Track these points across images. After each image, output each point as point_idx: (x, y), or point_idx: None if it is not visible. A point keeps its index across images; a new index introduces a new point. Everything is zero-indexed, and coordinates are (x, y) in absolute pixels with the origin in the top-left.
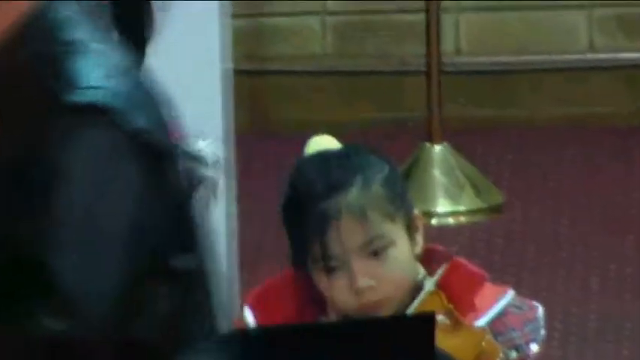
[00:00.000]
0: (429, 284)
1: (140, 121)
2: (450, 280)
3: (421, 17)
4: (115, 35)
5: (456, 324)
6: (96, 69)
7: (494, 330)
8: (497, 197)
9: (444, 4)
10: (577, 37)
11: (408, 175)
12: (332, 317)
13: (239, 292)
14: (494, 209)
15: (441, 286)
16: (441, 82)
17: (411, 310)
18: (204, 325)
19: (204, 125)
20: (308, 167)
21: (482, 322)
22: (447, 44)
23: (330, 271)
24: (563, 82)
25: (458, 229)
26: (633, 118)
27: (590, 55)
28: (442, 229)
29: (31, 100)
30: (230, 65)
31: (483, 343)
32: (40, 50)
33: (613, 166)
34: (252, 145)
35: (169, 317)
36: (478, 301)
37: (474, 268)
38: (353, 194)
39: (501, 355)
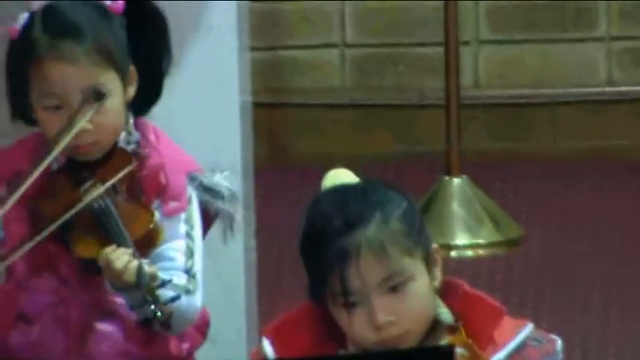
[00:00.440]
0: (449, 318)
1: None
2: (469, 313)
3: (440, 50)
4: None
5: (475, 358)
6: None
7: None
8: (516, 230)
9: (462, 37)
10: (595, 70)
11: (426, 208)
12: (351, 350)
13: (257, 325)
14: (513, 242)
15: (460, 319)
16: (460, 115)
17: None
18: None
19: (222, 158)
20: (325, 203)
21: (501, 355)
22: (466, 77)
23: (349, 306)
24: (581, 114)
25: (477, 262)
26: None
27: (608, 89)
28: (461, 262)
29: None
30: (249, 98)
31: None
32: None
33: (631, 198)
34: (270, 177)
35: None
36: (497, 334)
37: (492, 301)
38: (371, 230)
39: None
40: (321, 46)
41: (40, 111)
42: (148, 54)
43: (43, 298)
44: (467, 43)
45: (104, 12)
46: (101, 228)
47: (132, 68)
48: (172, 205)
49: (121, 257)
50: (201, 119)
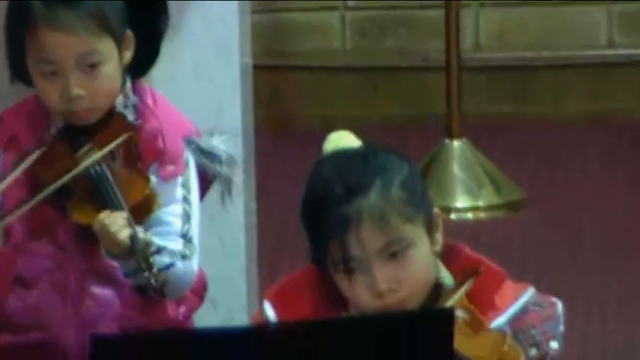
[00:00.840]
0: (450, 282)
1: None
2: (469, 278)
3: (441, 13)
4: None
5: (477, 323)
6: None
7: (515, 328)
8: (517, 193)
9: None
10: (597, 33)
11: (427, 170)
12: (353, 313)
13: (258, 288)
14: (514, 205)
15: (461, 284)
16: (461, 78)
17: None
18: None
19: (223, 120)
20: (326, 169)
21: (502, 320)
22: (467, 40)
23: (349, 272)
24: (582, 77)
25: (477, 224)
26: None
27: (609, 51)
28: (461, 225)
29: None
30: (250, 60)
31: (505, 347)
32: None
33: (633, 161)
34: (271, 140)
35: None
36: (498, 299)
37: (494, 266)
38: (372, 198)
39: (523, 358)
40: (322, 9)
41: (37, 76)
42: (144, 16)
43: (41, 263)
44: (468, 5)
45: None
46: (97, 194)
47: (128, 33)
48: (169, 168)
49: (115, 222)
50: (202, 82)
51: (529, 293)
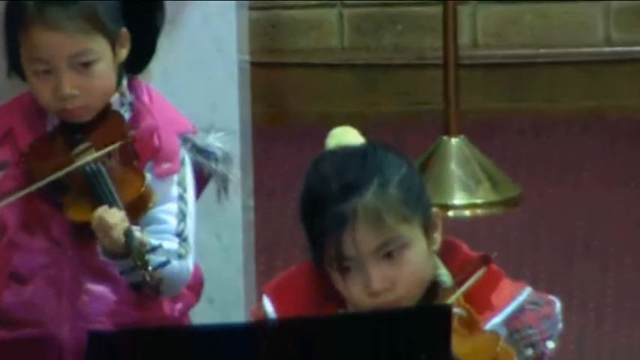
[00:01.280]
0: (448, 280)
1: None
2: (467, 277)
3: (438, 10)
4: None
5: (473, 323)
6: None
7: (511, 327)
8: (514, 190)
9: None
10: (594, 30)
11: (424, 167)
12: (350, 309)
13: (255, 284)
14: (511, 202)
15: (458, 283)
16: (458, 75)
17: None
18: None
19: (220, 117)
20: (324, 166)
21: (498, 319)
22: (464, 37)
23: (345, 271)
24: (579, 74)
25: (474, 221)
26: None
27: (606, 49)
28: (459, 222)
29: None
30: (247, 57)
31: (498, 349)
32: None
33: (629, 157)
34: (268, 137)
35: None
36: (495, 298)
37: (491, 265)
38: (368, 197)
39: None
40: (319, 6)
41: (30, 74)
42: (140, 13)
43: (36, 258)
44: (465, 2)
45: None
46: (93, 191)
47: (124, 30)
48: (165, 166)
49: (113, 217)
50: (199, 79)
51: (525, 292)
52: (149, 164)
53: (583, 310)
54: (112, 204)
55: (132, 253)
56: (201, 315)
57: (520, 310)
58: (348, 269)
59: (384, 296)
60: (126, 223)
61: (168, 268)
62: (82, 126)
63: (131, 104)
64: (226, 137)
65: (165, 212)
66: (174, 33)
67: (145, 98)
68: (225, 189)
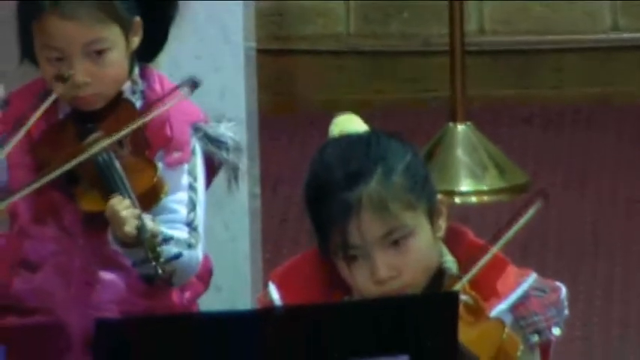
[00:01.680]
0: (453, 267)
1: None
2: (473, 264)
3: None
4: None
5: (479, 310)
6: None
7: (517, 314)
8: (521, 177)
9: None
10: (601, 16)
11: (431, 154)
12: (356, 297)
13: (262, 272)
14: (518, 189)
15: (463, 270)
16: (465, 62)
17: None
18: None
19: (227, 105)
20: (329, 154)
21: (503, 306)
22: (471, 24)
23: (350, 259)
24: (586, 61)
25: (481, 208)
26: None
27: (613, 35)
28: (465, 209)
29: None
30: (254, 45)
31: (504, 335)
32: None
33: (636, 143)
34: (275, 124)
35: None
36: (500, 285)
37: (497, 252)
38: (373, 186)
39: (521, 347)
40: None
41: (43, 62)
42: (153, 1)
43: (46, 246)
44: None
45: None
46: (104, 181)
47: (137, 19)
48: (175, 155)
49: (126, 208)
50: (206, 67)
51: (530, 279)
52: (159, 153)
53: (590, 297)
54: (123, 194)
55: (144, 244)
56: (209, 302)
57: (525, 297)
58: (353, 258)
59: (390, 284)
60: (138, 213)
61: (179, 259)
62: (94, 114)
63: (143, 92)
64: (236, 126)
65: (176, 201)
66: (181, 21)
67: (157, 86)
68: (236, 178)
